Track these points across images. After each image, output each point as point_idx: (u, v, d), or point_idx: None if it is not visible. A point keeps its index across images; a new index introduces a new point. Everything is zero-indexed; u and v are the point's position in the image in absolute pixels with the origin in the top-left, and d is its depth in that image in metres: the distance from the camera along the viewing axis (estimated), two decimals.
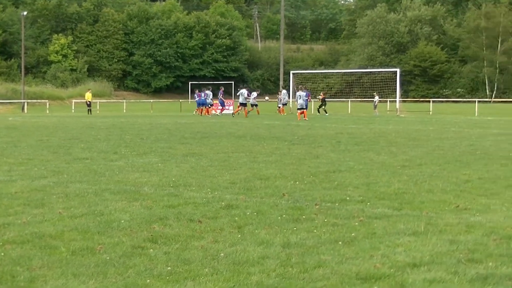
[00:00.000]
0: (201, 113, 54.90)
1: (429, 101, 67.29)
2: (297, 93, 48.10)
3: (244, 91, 52.79)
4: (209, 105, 55.75)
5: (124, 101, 77.06)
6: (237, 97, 58.42)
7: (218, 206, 10.79)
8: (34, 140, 25.04)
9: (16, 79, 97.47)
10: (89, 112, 60.56)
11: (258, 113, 54.16)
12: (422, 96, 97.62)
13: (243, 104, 52.33)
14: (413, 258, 7.64)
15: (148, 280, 6.82)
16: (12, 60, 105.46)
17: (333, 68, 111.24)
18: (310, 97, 52.16)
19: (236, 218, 9.83)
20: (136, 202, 11.13)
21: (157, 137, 26.81)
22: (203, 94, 55.38)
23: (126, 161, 17.61)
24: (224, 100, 60.74)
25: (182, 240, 8.43)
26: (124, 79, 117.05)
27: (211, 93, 56.12)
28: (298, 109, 46.95)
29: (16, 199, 11.37)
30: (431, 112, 58.18)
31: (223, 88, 60.97)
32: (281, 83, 69.83)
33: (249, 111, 52.60)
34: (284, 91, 60.81)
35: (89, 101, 62.35)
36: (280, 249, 8.02)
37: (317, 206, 10.75)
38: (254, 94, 56.26)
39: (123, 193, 12.08)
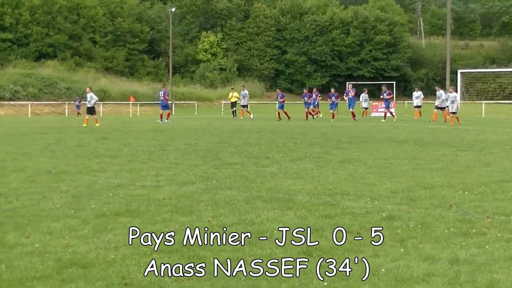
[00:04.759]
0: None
1: None
2: (451, 95, 44.62)
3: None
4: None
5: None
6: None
7: (379, 217, 10.70)
8: (182, 144, 25.66)
9: (163, 79, 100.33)
10: (234, 114, 59.74)
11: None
12: None
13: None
14: None
15: None
16: (160, 59, 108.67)
17: (506, 66, 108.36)
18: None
19: (399, 230, 9.72)
20: (289, 211, 11.18)
21: (312, 141, 26.90)
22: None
23: (279, 167, 17.74)
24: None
25: (339, 253, 8.38)
26: (277, 79, 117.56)
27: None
28: (452, 112, 44.41)
29: (163, 206, 11.66)
30: None
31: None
32: (447, 83, 68.44)
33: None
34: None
35: (233, 102, 60.44)
36: (447, 266, 7.86)
37: (489, 219, 10.48)
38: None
39: (275, 201, 12.16)
